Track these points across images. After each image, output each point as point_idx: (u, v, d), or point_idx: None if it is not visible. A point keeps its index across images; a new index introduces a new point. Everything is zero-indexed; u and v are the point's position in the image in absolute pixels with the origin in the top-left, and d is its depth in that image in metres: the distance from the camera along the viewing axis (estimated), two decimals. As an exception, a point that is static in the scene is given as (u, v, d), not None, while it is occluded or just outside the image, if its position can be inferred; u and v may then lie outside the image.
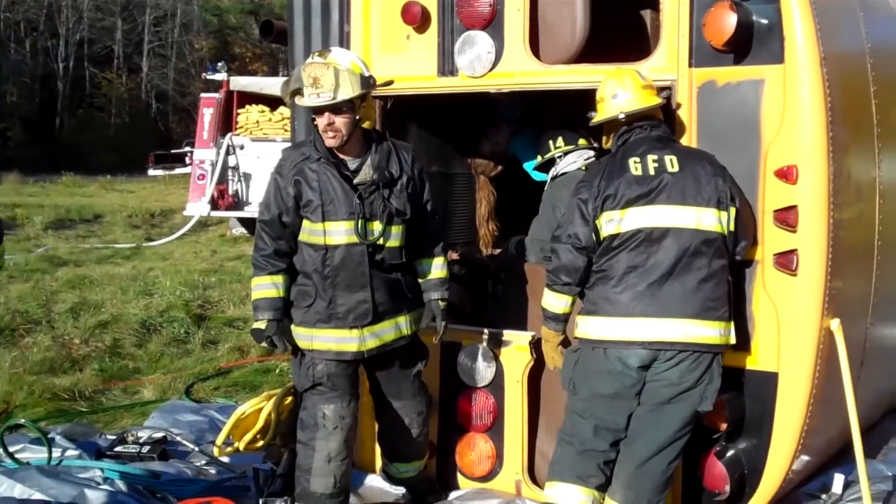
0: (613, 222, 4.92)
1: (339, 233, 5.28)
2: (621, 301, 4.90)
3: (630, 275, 4.89)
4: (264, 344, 5.53)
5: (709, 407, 4.91)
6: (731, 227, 4.91)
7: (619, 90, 5.14)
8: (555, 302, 5.15)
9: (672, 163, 4.93)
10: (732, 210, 4.89)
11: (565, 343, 5.29)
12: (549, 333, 5.28)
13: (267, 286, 5.38)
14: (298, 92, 5.23)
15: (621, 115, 5.11)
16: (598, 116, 5.26)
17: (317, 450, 5.42)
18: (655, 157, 4.96)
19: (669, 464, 4.97)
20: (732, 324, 4.94)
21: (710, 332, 4.85)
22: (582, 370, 5.06)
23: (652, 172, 4.92)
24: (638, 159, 4.97)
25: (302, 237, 5.36)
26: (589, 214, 4.97)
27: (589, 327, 5.03)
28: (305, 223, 5.32)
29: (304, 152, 5.37)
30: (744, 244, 5.02)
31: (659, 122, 5.17)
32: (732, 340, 4.94)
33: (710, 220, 4.85)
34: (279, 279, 5.38)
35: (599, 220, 4.95)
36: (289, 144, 6.14)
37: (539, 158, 6.34)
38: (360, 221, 5.27)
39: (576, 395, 5.11)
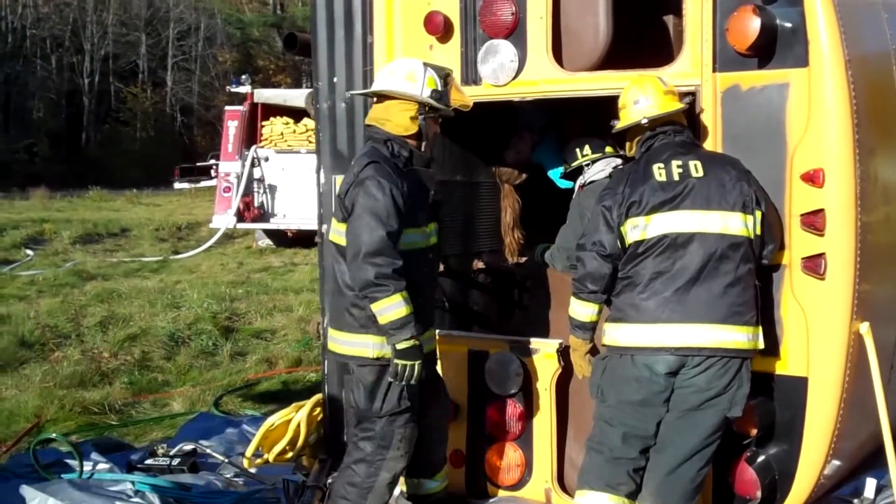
0: (638, 229, 4.90)
1: (433, 233, 5.40)
2: (648, 307, 4.88)
3: (656, 281, 4.87)
4: (411, 368, 5.14)
5: (738, 413, 4.88)
6: (758, 231, 4.88)
7: (640, 96, 5.14)
8: (582, 310, 5.13)
9: (696, 168, 4.91)
10: (758, 214, 4.87)
11: (593, 351, 5.27)
12: (577, 342, 5.27)
13: (407, 302, 5.05)
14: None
15: (644, 121, 5.10)
16: (621, 123, 5.26)
17: (384, 470, 5.36)
18: (680, 162, 4.94)
19: (699, 471, 4.95)
20: (760, 328, 4.91)
21: (737, 336, 4.82)
22: (610, 377, 5.05)
23: (676, 178, 4.91)
24: (662, 165, 4.96)
25: (405, 246, 5.18)
26: (613, 222, 4.95)
27: (616, 334, 5.01)
28: (408, 231, 5.19)
29: (389, 160, 5.25)
30: (771, 248, 4.99)
31: (682, 128, 5.15)
32: (761, 345, 4.91)
33: (736, 224, 4.83)
34: (407, 294, 5.14)
35: (624, 227, 4.93)
36: (314, 156, 6.17)
37: (566, 166, 6.33)
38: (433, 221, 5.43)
39: (604, 403, 5.09)
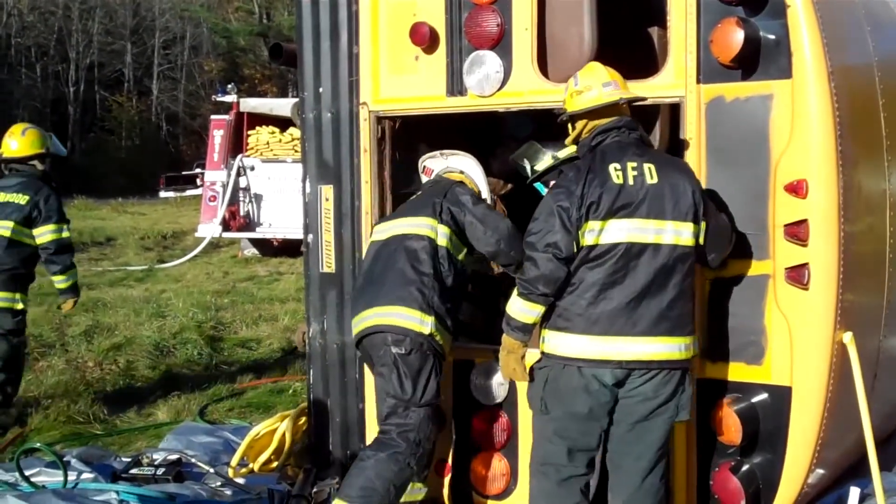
0: (593, 233, 4.74)
1: None
2: (598, 319, 4.75)
3: (607, 291, 4.73)
4: None
5: (686, 416, 4.84)
6: (702, 241, 4.83)
7: (609, 79, 5.00)
8: (527, 312, 4.90)
9: (651, 172, 4.79)
10: (703, 224, 4.81)
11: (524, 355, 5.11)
12: (515, 344, 5.02)
13: None
14: None
15: (622, 101, 4.97)
16: (591, 102, 5.00)
17: (415, 463, 5.53)
18: (635, 164, 4.81)
19: (661, 479, 4.89)
20: (696, 335, 4.91)
21: (680, 347, 4.77)
22: (553, 388, 4.89)
23: (632, 182, 4.77)
24: (618, 166, 4.80)
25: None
26: (572, 224, 4.74)
27: (560, 343, 4.86)
28: None
29: None
30: (714, 255, 4.96)
31: (635, 125, 5.03)
32: (697, 352, 4.91)
33: (687, 234, 4.76)
34: None
35: (582, 229, 4.76)
36: (299, 165, 6.21)
37: (532, 170, 6.30)
38: None
39: (547, 416, 4.94)
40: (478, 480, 6.08)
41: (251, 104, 22.89)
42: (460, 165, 6.17)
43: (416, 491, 5.85)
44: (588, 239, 4.76)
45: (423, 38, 5.97)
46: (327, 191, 6.44)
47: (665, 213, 4.75)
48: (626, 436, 4.84)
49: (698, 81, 5.24)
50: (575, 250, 4.78)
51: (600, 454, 5.03)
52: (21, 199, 8.49)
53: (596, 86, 5.02)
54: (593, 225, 4.75)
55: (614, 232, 4.74)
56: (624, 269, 4.73)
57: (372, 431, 6.31)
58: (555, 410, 4.91)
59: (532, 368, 5.09)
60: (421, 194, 6.00)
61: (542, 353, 4.97)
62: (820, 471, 5.31)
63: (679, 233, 4.75)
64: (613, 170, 4.80)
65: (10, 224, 8.43)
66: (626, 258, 4.73)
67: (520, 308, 4.93)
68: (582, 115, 5.06)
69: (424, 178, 6.44)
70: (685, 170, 4.92)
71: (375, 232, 5.99)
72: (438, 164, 6.27)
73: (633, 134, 4.97)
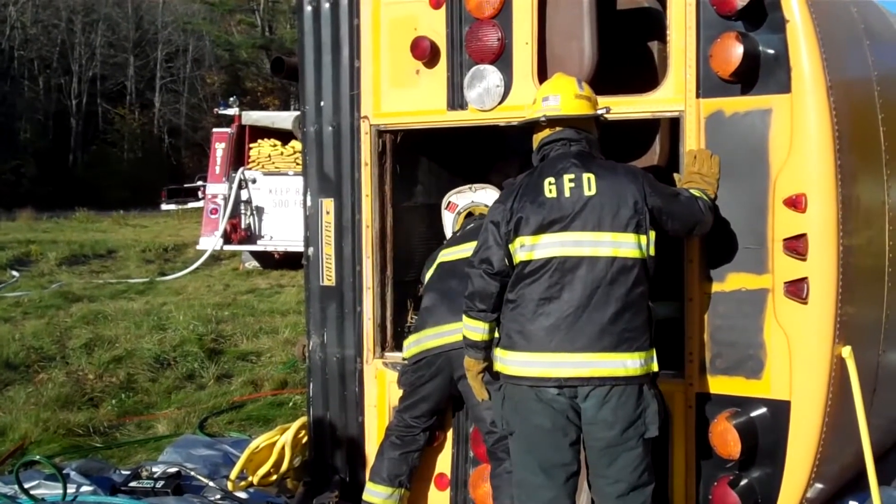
0: (525, 248, 4.71)
1: None
2: (535, 335, 4.68)
3: (544, 307, 4.66)
4: None
5: (655, 432, 4.70)
6: (651, 252, 4.72)
7: (550, 94, 4.97)
8: (472, 329, 4.93)
9: (590, 183, 4.70)
10: (652, 234, 4.72)
11: (491, 372, 5.04)
12: (470, 362, 5.07)
13: None
14: None
15: (542, 119, 4.96)
16: (528, 116, 5.08)
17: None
18: (572, 175, 4.73)
19: (648, 497, 4.72)
20: (654, 351, 4.77)
21: (627, 363, 4.62)
22: (511, 406, 4.81)
23: (567, 194, 4.71)
24: (553, 179, 4.74)
25: None
26: (501, 239, 4.77)
27: (506, 362, 4.80)
28: None
29: None
30: (686, 233, 5.00)
31: (582, 137, 4.94)
32: (655, 368, 4.75)
33: (629, 245, 4.66)
34: None
35: (513, 244, 4.74)
36: (301, 178, 6.23)
37: None
38: None
39: (513, 435, 4.87)
40: (476, 494, 6.07)
41: (253, 117, 22.92)
42: (487, 199, 6.21)
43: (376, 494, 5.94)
44: (521, 255, 4.74)
45: (424, 53, 5.99)
46: (328, 204, 6.46)
47: (603, 225, 4.67)
48: (598, 461, 4.72)
49: (698, 96, 5.25)
50: (507, 265, 4.78)
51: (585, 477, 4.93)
52: None
53: (539, 98, 5.04)
54: (525, 240, 4.73)
55: (547, 247, 4.70)
56: (560, 284, 4.67)
57: (371, 444, 6.32)
58: (518, 427, 4.82)
59: (491, 390, 5.07)
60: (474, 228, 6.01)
61: (496, 372, 4.93)
62: (819, 485, 5.30)
63: (618, 245, 4.66)
64: (547, 184, 4.76)
65: None
66: (561, 272, 4.67)
67: (466, 326, 4.98)
68: (527, 127, 5.10)
69: (447, 214, 6.47)
70: (630, 178, 4.78)
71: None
72: (464, 199, 6.34)
73: (574, 146, 4.90)
